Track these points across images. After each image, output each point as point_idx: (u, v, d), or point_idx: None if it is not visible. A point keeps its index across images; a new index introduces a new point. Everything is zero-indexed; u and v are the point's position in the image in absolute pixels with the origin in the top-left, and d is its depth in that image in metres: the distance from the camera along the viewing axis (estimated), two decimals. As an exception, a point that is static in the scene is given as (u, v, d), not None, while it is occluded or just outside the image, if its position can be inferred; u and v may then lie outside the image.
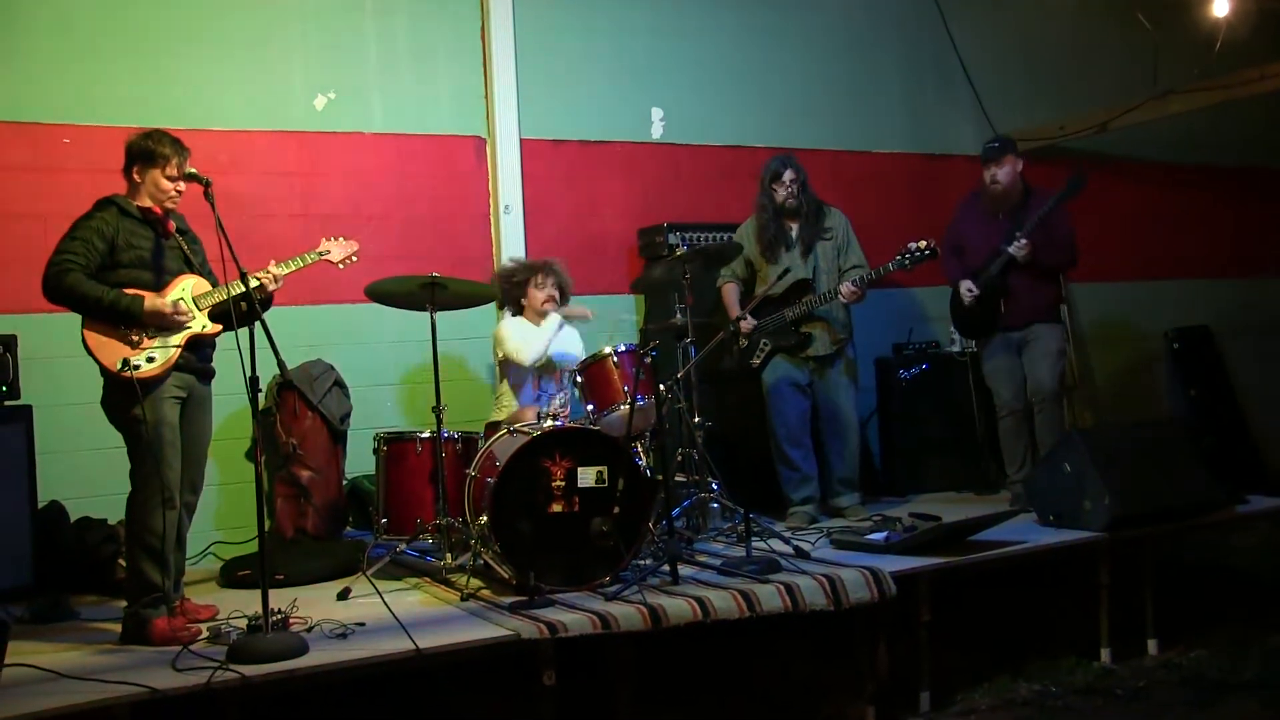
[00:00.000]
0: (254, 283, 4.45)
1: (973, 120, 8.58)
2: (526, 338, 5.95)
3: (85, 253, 4.35)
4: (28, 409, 5.38)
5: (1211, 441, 8.57)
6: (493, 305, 6.44)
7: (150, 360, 4.39)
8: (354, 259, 5.02)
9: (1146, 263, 9.27)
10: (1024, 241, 6.13)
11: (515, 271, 6.20)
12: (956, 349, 7.67)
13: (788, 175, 6.27)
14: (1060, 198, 6.17)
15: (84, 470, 5.70)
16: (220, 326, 4.59)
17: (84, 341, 4.37)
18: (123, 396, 4.36)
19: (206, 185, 4.36)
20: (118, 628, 4.49)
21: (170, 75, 6.20)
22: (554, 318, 5.96)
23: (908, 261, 6.01)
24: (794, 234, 6.36)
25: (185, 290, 4.54)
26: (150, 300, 4.40)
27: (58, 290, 4.34)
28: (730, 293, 6.50)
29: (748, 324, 6.32)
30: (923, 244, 5.97)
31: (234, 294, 4.46)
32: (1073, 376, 8.28)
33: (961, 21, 8.53)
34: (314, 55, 6.58)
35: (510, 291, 6.16)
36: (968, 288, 6.36)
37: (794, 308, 6.24)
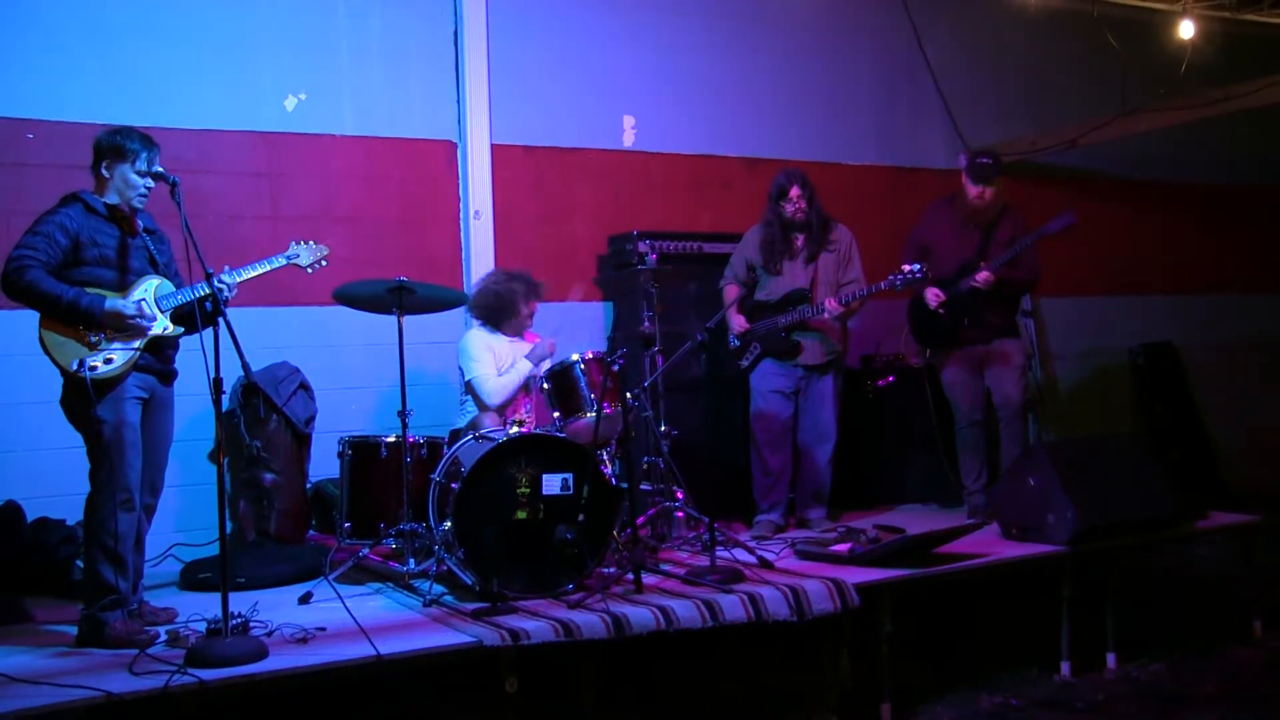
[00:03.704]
0: (214, 287, 4.38)
1: (944, 134, 8.65)
2: (495, 382, 5.92)
3: (46, 249, 4.30)
4: (-15, 407, 5.34)
5: (1174, 456, 8.65)
6: (459, 310, 6.40)
7: (108, 362, 4.34)
8: (324, 264, 4.98)
9: (1112, 279, 9.35)
10: (988, 275, 6.21)
11: (507, 290, 6.11)
12: (921, 361, 7.70)
13: (794, 192, 6.27)
14: (1049, 231, 6.20)
15: (42, 470, 5.64)
16: (183, 329, 4.55)
17: (41, 340, 4.31)
18: (80, 397, 4.30)
19: (174, 185, 4.32)
20: (74, 630, 4.43)
21: (138, 72, 6.15)
22: (525, 365, 5.96)
23: (899, 283, 6.05)
24: (799, 245, 6.38)
25: (148, 291, 4.49)
26: (111, 300, 4.35)
27: (15, 287, 4.28)
28: (731, 294, 6.51)
29: (740, 328, 6.36)
30: (914, 267, 6.02)
31: (197, 296, 4.42)
32: (1037, 391, 8.33)
33: (934, 37, 8.59)
34: (285, 55, 6.54)
35: (499, 306, 6.09)
36: (935, 294, 6.38)
37: (787, 315, 6.27)
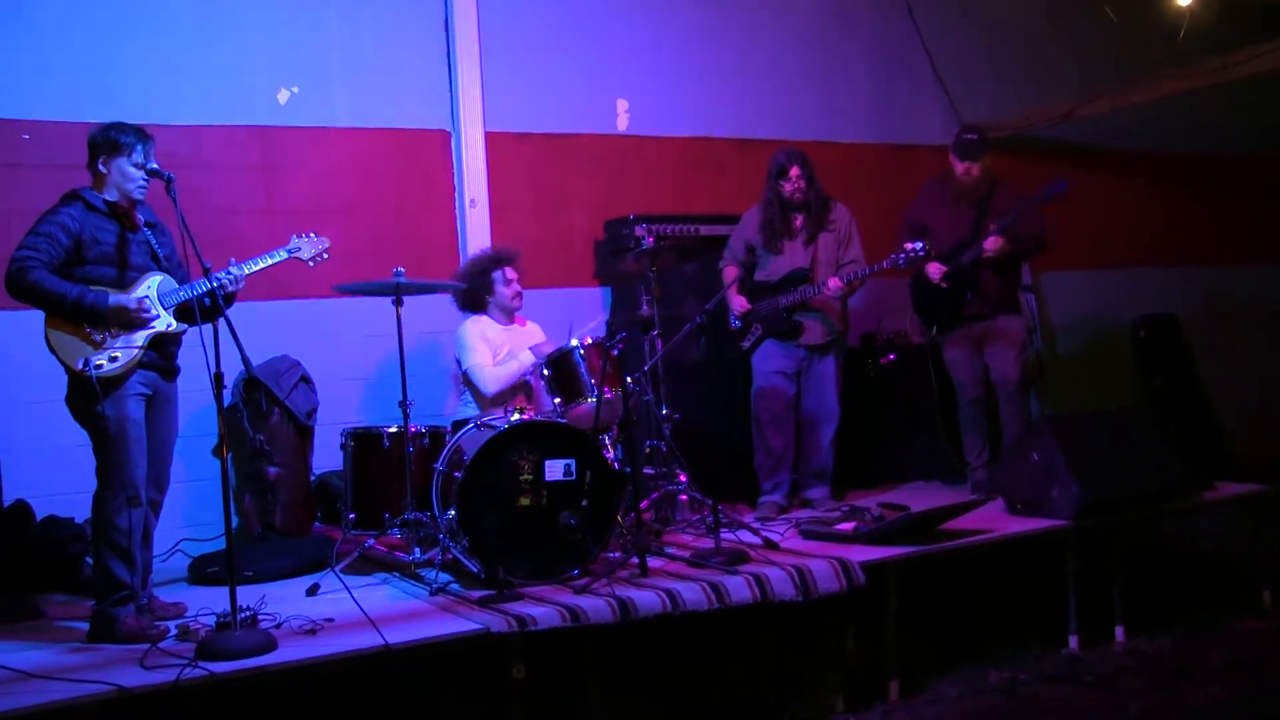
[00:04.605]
0: (217, 282, 4.39)
1: (938, 110, 8.62)
2: (492, 371, 5.95)
3: (48, 248, 4.31)
4: (-10, 408, 5.35)
5: (1178, 428, 8.65)
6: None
7: (113, 360, 4.35)
8: (325, 256, 4.98)
9: (1113, 251, 9.33)
10: (999, 241, 6.21)
11: (478, 265, 6.17)
12: (925, 339, 7.69)
13: (794, 172, 6.25)
14: (1040, 199, 6.23)
15: (50, 469, 5.65)
16: (187, 325, 4.56)
17: (47, 339, 4.33)
18: (85, 395, 4.33)
19: (169, 181, 4.33)
20: (85, 626, 4.46)
21: (130, 69, 6.14)
22: (528, 357, 5.95)
23: (902, 261, 6.07)
24: (798, 224, 6.38)
25: (151, 288, 4.50)
26: (114, 297, 4.37)
27: (19, 288, 4.30)
28: (729, 276, 6.50)
29: (741, 308, 6.36)
30: (917, 245, 6.03)
31: (200, 293, 4.43)
32: (1037, 367, 8.32)
33: (927, 12, 8.56)
34: (276, 48, 6.52)
35: (473, 290, 6.13)
36: (936, 268, 6.39)
37: (789, 295, 6.27)
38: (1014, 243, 6.30)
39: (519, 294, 6.14)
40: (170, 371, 4.63)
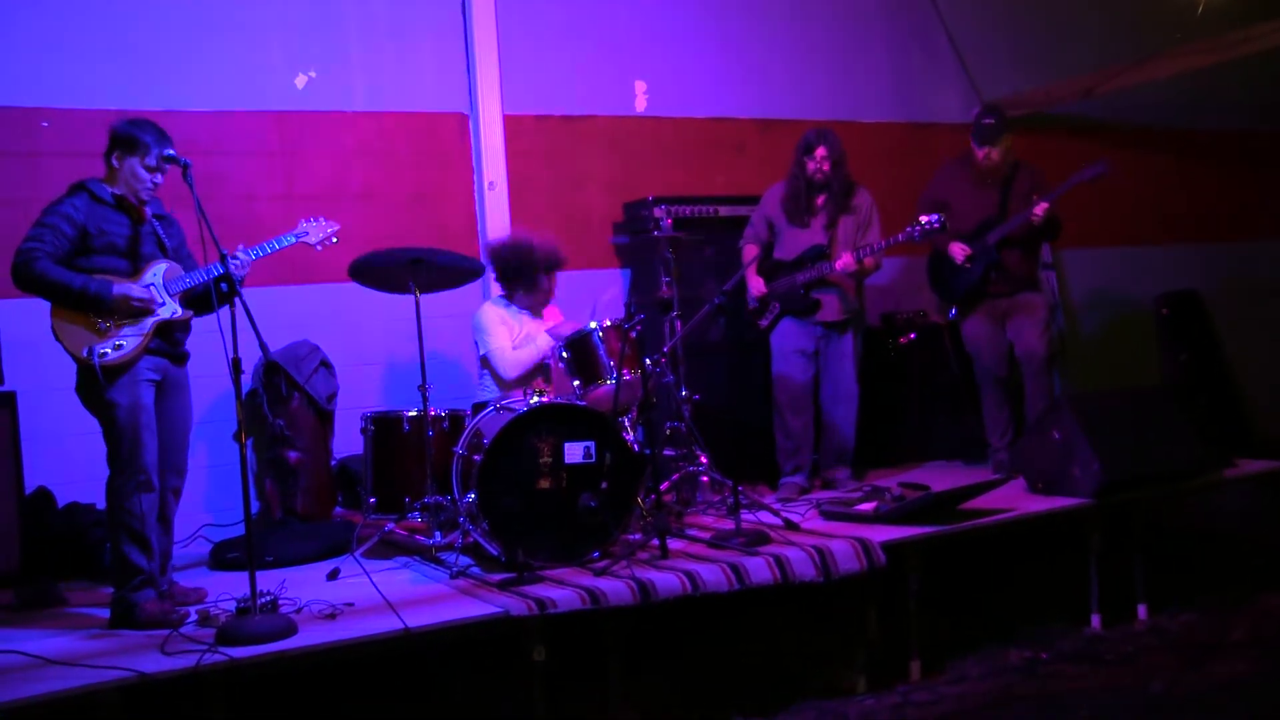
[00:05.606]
0: (223, 270, 4.38)
1: (958, 89, 8.56)
2: (511, 355, 5.87)
3: (53, 239, 4.33)
4: (11, 395, 5.35)
5: (1200, 406, 8.58)
6: (477, 284, 6.37)
7: (119, 348, 4.38)
8: (333, 240, 4.97)
9: (1135, 228, 9.26)
10: (1045, 206, 6.15)
11: (527, 256, 6.01)
12: (944, 319, 7.66)
13: (820, 152, 6.23)
14: (1081, 179, 6.18)
15: (70, 456, 5.66)
16: (193, 311, 4.57)
17: (53, 329, 4.36)
18: (92, 382, 4.35)
19: (186, 167, 4.33)
20: (106, 613, 4.49)
21: (149, 56, 6.15)
22: (545, 340, 5.89)
23: (917, 235, 6.05)
24: (819, 204, 6.35)
25: (157, 275, 4.52)
26: (119, 285, 4.39)
27: (25, 279, 4.33)
28: (749, 254, 6.49)
29: (758, 290, 6.35)
30: (933, 218, 6.00)
31: (208, 278, 4.44)
32: (1061, 344, 8.28)
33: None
34: (294, 33, 6.52)
35: (515, 271, 6.01)
36: (960, 248, 6.36)
37: (805, 272, 6.25)
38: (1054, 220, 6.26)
39: (550, 293, 6.09)
40: (179, 357, 4.65)
